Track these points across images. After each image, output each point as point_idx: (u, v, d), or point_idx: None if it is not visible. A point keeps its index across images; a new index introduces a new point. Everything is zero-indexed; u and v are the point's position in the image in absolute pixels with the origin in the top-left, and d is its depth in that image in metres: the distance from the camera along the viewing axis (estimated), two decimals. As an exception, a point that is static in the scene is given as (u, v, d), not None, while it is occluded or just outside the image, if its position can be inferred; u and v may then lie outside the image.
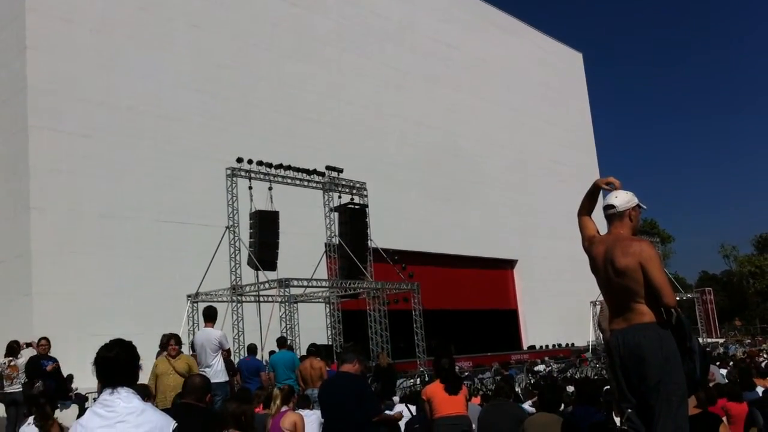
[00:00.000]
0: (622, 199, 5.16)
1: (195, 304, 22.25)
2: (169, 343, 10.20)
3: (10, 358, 13.26)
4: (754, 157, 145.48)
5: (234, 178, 23.24)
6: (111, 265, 25.40)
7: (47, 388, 12.22)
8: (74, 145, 25.58)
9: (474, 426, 8.19)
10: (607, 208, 5.20)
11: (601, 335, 7.87)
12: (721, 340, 45.98)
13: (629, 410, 4.89)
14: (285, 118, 32.38)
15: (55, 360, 13.22)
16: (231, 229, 23.14)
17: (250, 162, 23.03)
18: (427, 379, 20.00)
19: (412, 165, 37.70)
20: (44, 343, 13.28)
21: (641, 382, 4.80)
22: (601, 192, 5.37)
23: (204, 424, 5.99)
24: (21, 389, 13.08)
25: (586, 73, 57.10)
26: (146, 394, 8.06)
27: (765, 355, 26.34)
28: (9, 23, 26.32)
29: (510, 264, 45.04)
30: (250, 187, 22.81)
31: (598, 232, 5.30)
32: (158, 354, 11.03)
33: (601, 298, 5.38)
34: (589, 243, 5.25)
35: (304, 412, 9.55)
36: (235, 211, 23.19)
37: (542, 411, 7.86)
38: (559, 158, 49.17)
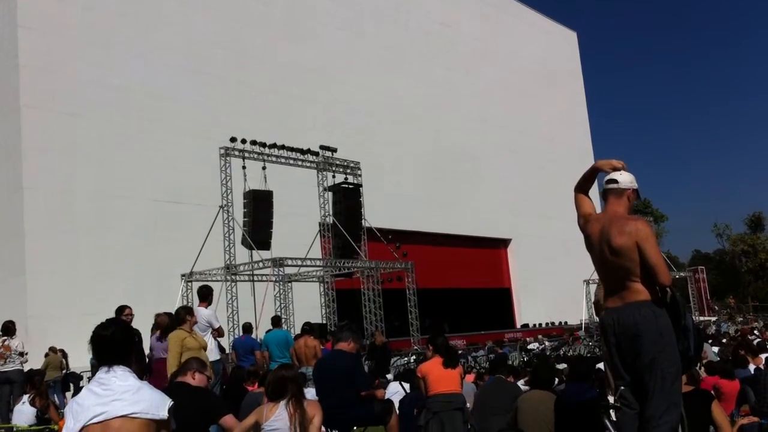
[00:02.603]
0: (626, 178, 5.20)
1: (189, 284, 22.28)
2: (192, 316, 10.13)
3: (5, 338, 13.30)
4: (747, 136, 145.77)
5: (227, 158, 23.17)
6: (104, 245, 25.39)
7: None
8: (67, 124, 25.49)
9: (468, 403, 8.25)
10: (609, 182, 5.23)
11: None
12: (714, 319, 46.19)
13: (622, 387, 4.93)
14: (278, 98, 32.28)
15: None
16: (225, 208, 23.11)
17: (243, 141, 22.96)
18: (421, 358, 20.09)
19: (406, 144, 37.65)
20: (128, 312, 10.78)
21: (635, 360, 4.84)
22: (598, 174, 5.41)
23: (201, 401, 6.02)
24: (15, 368, 13.15)
25: (581, 52, 57.01)
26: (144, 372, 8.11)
27: (757, 333, 26.47)
28: (0, 2, 26.12)
29: (503, 243, 45.15)
30: (244, 167, 22.78)
31: (594, 210, 5.32)
32: (153, 333, 10.99)
33: (596, 276, 5.40)
34: (584, 221, 5.26)
35: (299, 390, 9.59)
36: (228, 191, 23.15)
37: (535, 388, 7.91)
38: (554, 137, 49.14)
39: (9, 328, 13.58)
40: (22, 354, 13.64)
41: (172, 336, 9.62)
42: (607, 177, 5.26)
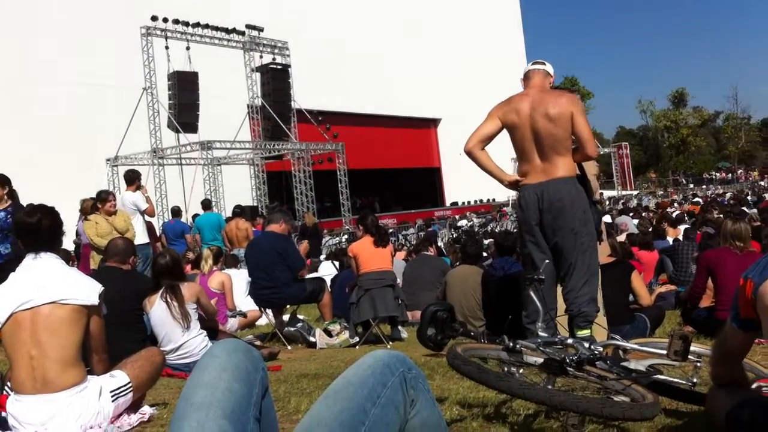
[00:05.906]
0: (551, 66, 5.31)
1: (115, 168, 21.92)
2: (108, 199, 10.03)
3: None
4: (674, 11, 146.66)
5: (149, 38, 22.44)
6: (26, 131, 24.57)
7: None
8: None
9: (399, 280, 8.45)
10: (537, 63, 5.32)
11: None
12: (635, 192, 47.61)
13: (547, 261, 5.05)
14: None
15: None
16: (149, 90, 22.54)
17: (165, 21, 22.22)
18: (353, 238, 20.35)
19: (335, 23, 36.81)
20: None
21: (555, 234, 4.96)
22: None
23: (133, 286, 6.03)
24: None
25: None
26: (69, 258, 8.04)
27: (676, 206, 27.44)
28: None
29: (433, 123, 45.19)
30: (167, 47, 22.13)
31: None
32: (80, 218, 10.86)
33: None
34: (501, 110, 5.33)
35: (232, 272, 9.70)
36: (152, 72, 22.52)
37: (464, 264, 8.13)
38: (483, 13, 48.56)
39: None
40: None
41: (84, 226, 9.67)
42: (534, 61, 5.36)
